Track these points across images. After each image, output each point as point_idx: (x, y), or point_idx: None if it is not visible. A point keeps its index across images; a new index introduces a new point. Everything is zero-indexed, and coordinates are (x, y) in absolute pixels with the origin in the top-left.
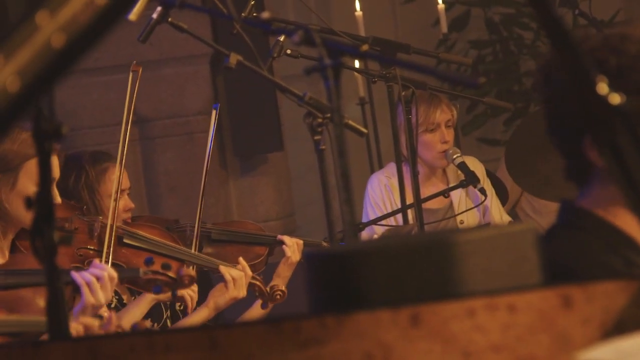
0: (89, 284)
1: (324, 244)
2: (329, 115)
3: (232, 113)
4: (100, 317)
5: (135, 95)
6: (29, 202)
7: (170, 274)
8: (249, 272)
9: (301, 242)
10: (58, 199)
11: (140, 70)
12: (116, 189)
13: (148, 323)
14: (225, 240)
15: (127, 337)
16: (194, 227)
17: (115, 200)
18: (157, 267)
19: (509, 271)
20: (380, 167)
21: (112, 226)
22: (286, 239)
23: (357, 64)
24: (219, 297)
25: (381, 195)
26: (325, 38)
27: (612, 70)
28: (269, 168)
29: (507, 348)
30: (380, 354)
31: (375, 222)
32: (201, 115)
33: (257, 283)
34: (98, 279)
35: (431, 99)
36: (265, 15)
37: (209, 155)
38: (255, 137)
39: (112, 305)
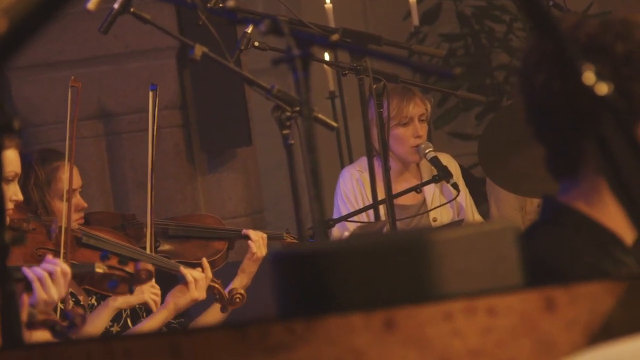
0: (40, 280)
1: (286, 235)
2: (297, 108)
3: (200, 107)
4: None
5: (76, 111)
6: None
7: (127, 268)
8: (209, 274)
9: (266, 235)
10: (19, 195)
11: (80, 85)
12: (67, 188)
13: (81, 310)
14: (183, 236)
15: (83, 344)
16: (155, 223)
17: (68, 200)
18: (113, 262)
19: (488, 272)
20: (351, 162)
21: (66, 228)
22: (251, 233)
23: (327, 56)
24: (179, 298)
25: (352, 189)
26: (293, 28)
27: (619, 57)
28: (237, 163)
29: (487, 353)
30: None
31: (346, 218)
32: (168, 110)
33: (217, 286)
34: (50, 274)
35: (404, 92)
36: (231, 4)
37: (152, 145)
38: (223, 131)
39: (69, 307)
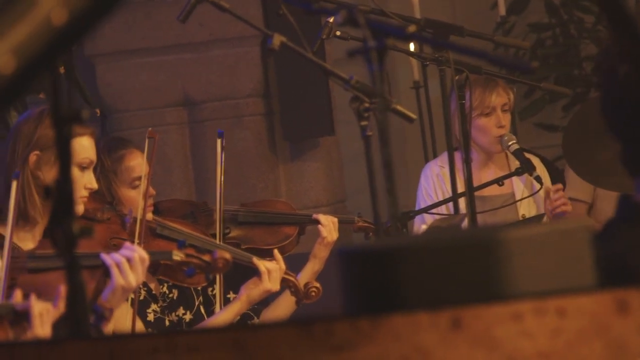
0: (118, 265)
1: (358, 219)
2: (376, 100)
3: (283, 96)
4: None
5: (152, 161)
6: (47, 191)
7: (205, 257)
8: (283, 266)
9: (336, 220)
10: (94, 184)
11: (157, 137)
12: (144, 189)
13: (108, 304)
14: (253, 222)
15: (148, 338)
16: (225, 209)
17: (145, 193)
18: (190, 250)
19: (560, 272)
20: (435, 152)
21: (142, 217)
22: (321, 217)
23: (412, 46)
24: (252, 290)
25: (433, 185)
26: (370, 19)
27: None
28: (319, 153)
29: (557, 355)
30: (418, 359)
31: (424, 210)
32: (251, 98)
33: (292, 279)
34: (128, 260)
35: (487, 81)
36: None
37: (220, 198)
38: (305, 120)
39: (141, 297)
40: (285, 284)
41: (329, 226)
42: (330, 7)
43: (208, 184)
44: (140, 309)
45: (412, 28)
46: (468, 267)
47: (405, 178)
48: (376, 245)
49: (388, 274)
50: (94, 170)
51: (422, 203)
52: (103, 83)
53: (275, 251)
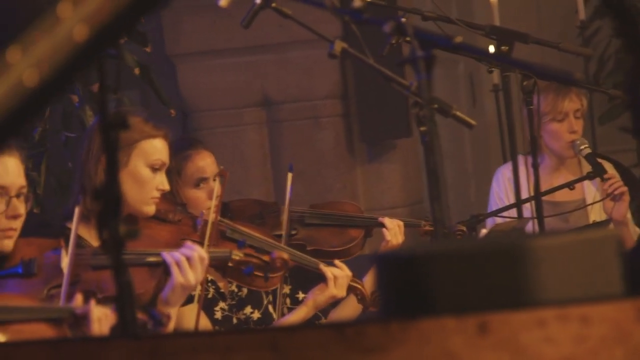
0: (178, 264)
1: (424, 223)
2: (436, 105)
3: (361, 98)
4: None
5: (221, 198)
6: (96, 194)
7: (263, 257)
8: (349, 273)
9: (402, 223)
10: (166, 185)
11: (228, 175)
12: (203, 177)
13: (167, 310)
14: (319, 224)
15: (188, 337)
16: (292, 210)
17: (218, 203)
18: (249, 250)
19: (586, 280)
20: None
21: (213, 222)
22: (386, 221)
23: (491, 49)
24: (319, 296)
25: (505, 188)
26: (418, 29)
27: None
28: (396, 154)
29: None
30: None
31: (494, 214)
32: (329, 100)
33: (359, 287)
34: (188, 259)
35: (560, 87)
36: (357, 3)
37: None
38: (383, 122)
39: (209, 295)
40: (352, 291)
41: (394, 230)
42: (380, 17)
43: (285, 183)
44: (208, 306)
45: (458, 38)
46: (496, 274)
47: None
48: (408, 251)
49: (418, 279)
50: None
51: (493, 206)
52: (184, 83)
53: (337, 261)
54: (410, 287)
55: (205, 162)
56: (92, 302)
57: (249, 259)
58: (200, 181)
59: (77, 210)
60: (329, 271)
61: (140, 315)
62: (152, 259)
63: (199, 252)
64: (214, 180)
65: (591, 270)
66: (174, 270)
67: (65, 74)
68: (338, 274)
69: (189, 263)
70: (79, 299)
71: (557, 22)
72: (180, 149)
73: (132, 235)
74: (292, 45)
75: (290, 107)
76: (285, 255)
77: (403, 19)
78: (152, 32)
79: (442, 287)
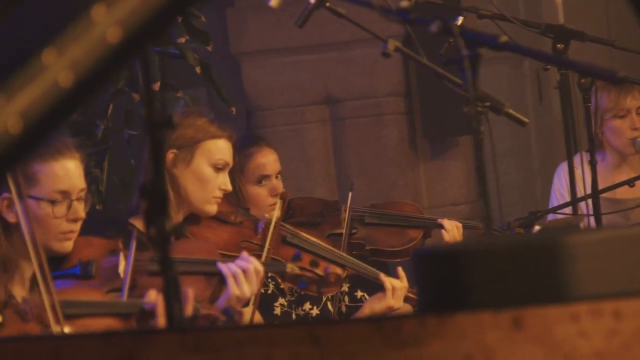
0: (235, 276)
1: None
2: (488, 104)
3: (423, 95)
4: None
5: (280, 219)
6: (142, 191)
7: (317, 271)
8: (406, 284)
9: (460, 225)
10: (229, 185)
11: (289, 196)
12: (265, 174)
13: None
14: (379, 224)
15: (232, 331)
16: (353, 209)
17: (281, 203)
18: (304, 263)
19: (622, 276)
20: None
21: (275, 224)
22: (445, 222)
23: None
24: (376, 305)
25: (566, 185)
26: (464, 28)
27: None
28: (459, 151)
29: (612, 355)
30: (481, 357)
31: (552, 211)
32: (391, 97)
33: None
34: (244, 271)
35: (623, 84)
36: (404, 3)
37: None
38: (445, 119)
39: (269, 291)
40: (409, 302)
41: (452, 231)
42: (426, 17)
43: (349, 180)
44: (267, 302)
45: (503, 38)
46: (531, 269)
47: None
48: (445, 247)
49: (456, 274)
50: None
51: (554, 202)
52: (248, 81)
53: (400, 269)
54: (447, 282)
55: (267, 160)
56: (160, 297)
57: (304, 272)
58: (262, 178)
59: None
60: (388, 282)
61: (214, 311)
62: (209, 268)
63: (255, 265)
64: (277, 178)
65: (626, 266)
66: (230, 282)
67: (100, 75)
68: (397, 285)
69: (245, 275)
70: (152, 294)
71: (625, 20)
72: (244, 146)
73: (178, 231)
74: (355, 43)
75: (353, 105)
76: (340, 271)
77: (461, 18)
78: (217, 31)
79: (478, 282)
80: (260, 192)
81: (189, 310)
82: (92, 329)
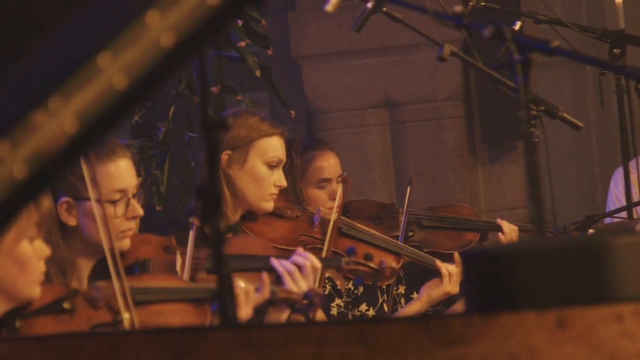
0: (290, 273)
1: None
2: (542, 108)
3: (482, 99)
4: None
5: (341, 204)
6: (198, 191)
7: (371, 264)
8: None
9: (517, 228)
10: (283, 182)
11: (350, 181)
12: (326, 178)
13: (320, 290)
14: (436, 226)
15: (282, 329)
16: (410, 212)
17: (340, 202)
18: (359, 257)
19: None
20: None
21: (335, 220)
22: (504, 224)
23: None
24: (433, 291)
25: (623, 189)
26: (516, 33)
27: None
28: (518, 155)
29: None
30: (526, 356)
31: (609, 215)
32: (451, 101)
33: None
34: (300, 268)
35: None
36: (458, 9)
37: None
38: (504, 123)
39: (326, 292)
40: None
41: (510, 234)
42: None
43: (407, 184)
44: (324, 302)
45: (555, 43)
46: (575, 270)
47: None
48: (492, 248)
49: (501, 275)
50: (282, 167)
51: (611, 206)
52: (309, 84)
53: (456, 254)
54: (493, 282)
55: (328, 163)
56: (237, 280)
57: (359, 267)
58: (322, 181)
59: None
60: (444, 267)
61: (293, 295)
62: (263, 264)
63: (313, 262)
64: (337, 183)
65: None
66: (286, 279)
67: (153, 79)
68: (453, 270)
69: (302, 272)
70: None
71: None
72: (306, 149)
73: (232, 231)
74: (415, 47)
75: (413, 109)
76: (395, 264)
77: (518, 23)
78: (279, 35)
79: (523, 283)
80: (320, 195)
81: (265, 294)
82: (164, 316)
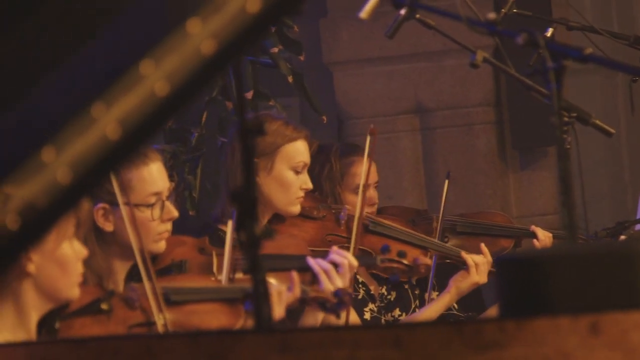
0: (326, 272)
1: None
2: (575, 114)
3: (513, 105)
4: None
5: (372, 156)
6: (233, 197)
7: (405, 261)
8: (489, 258)
9: (551, 235)
10: (309, 184)
11: (377, 133)
12: (364, 182)
13: (350, 289)
14: (471, 233)
15: (317, 332)
16: (445, 218)
17: (363, 191)
18: (392, 255)
19: None
20: None
21: (359, 217)
22: (538, 231)
23: None
24: (461, 282)
25: None
26: (549, 41)
27: None
28: (549, 161)
29: None
30: None
31: (637, 222)
32: (482, 107)
33: None
34: (337, 266)
35: None
36: (491, 16)
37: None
38: (535, 130)
39: (360, 297)
40: (491, 277)
41: (544, 241)
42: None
43: (438, 190)
44: (358, 307)
45: (588, 50)
46: (608, 276)
47: None
48: (526, 253)
49: (534, 280)
50: (321, 172)
51: None
52: (340, 90)
53: (482, 245)
54: (527, 288)
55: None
56: (269, 280)
57: (392, 264)
58: (359, 187)
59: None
60: (469, 258)
61: (323, 294)
62: (299, 264)
63: (350, 260)
64: (374, 188)
65: None
66: (322, 278)
67: (194, 86)
68: (479, 260)
69: (339, 270)
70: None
71: None
72: (345, 154)
73: (268, 235)
74: (445, 53)
75: (444, 114)
76: (429, 261)
77: (550, 29)
78: (310, 41)
79: (557, 288)
80: (357, 200)
81: (297, 292)
82: (199, 315)
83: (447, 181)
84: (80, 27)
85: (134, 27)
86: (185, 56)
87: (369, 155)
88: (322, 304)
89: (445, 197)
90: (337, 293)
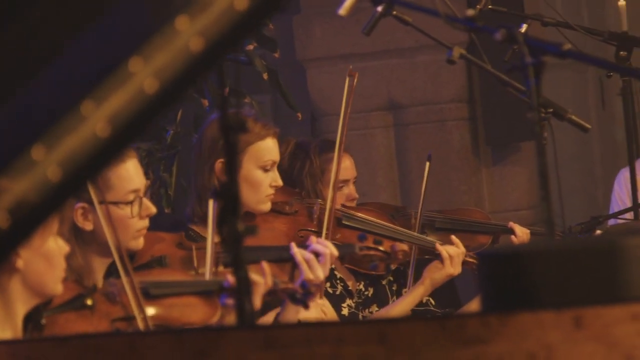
0: (308, 261)
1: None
2: (551, 110)
3: (486, 101)
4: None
5: (351, 99)
6: (215, 194)
7: (382, 247)
8: (463, 249)
9: (528, 231)
10: (279, 181)
11: (357, 75)
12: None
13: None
14: (449, 229)
15: (301, 328)
16: (423, 214)
17: (334, 183)
18: (369, 242)
19: None
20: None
21: (331, 208)
22: (516, 228)
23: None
24: (435, 274)
25: (627, 191)
26: (527, 37)
27: None
28: (521, 157)
29: None
30: (544, 355)
31: (613, 216)
32: (455, 103)
33: (473, 261)
34: (318, 255)
35: None
36: (470, 12)
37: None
38: (508, 126)
39: (337, 292)
40: (466, 266)
41: (522, 237)
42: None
43: (412, 186)
44: (335, 303)
45: (567, 46)
46: (591, 270)
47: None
48: (508, 249)
49: (518, 275)
50: (301, 169)
51: (615, 208)
52: (313, 87)
53: (453, 237)
54: (509, 283)
55: (345, 165)
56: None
57: (371, 252)
58: (339, 183)
59: (210, 209)
60: (444, 250)
61: (291, 285)
62: (280, 254)
63: (331, 249)
64: (353, 183)
65: None
66: (304, 267)
67: (183, 83)
68: (453, 252)
69: (320, 260)
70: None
71: None
72: (323, 151)
73: (250, 232)
74: (418, 49)
75: (417, 111)
76: (406, 247)
77: (525, 25)
78: (283, 38)
79: (540, 283)
80: (337, 196)
81: (268, 283)
82: (179, 308)
83: (427, 163)
84: (69, 26)
85: (123, 25)
86: (174, 53)
87: (348, 96)
88: (292, 295)
89: (426, 181)
90: (304, 284)
